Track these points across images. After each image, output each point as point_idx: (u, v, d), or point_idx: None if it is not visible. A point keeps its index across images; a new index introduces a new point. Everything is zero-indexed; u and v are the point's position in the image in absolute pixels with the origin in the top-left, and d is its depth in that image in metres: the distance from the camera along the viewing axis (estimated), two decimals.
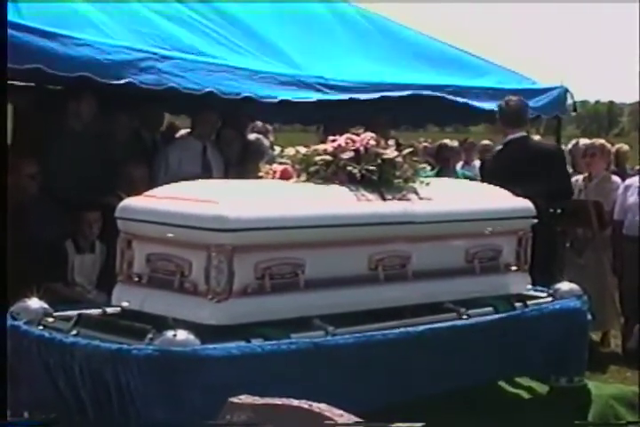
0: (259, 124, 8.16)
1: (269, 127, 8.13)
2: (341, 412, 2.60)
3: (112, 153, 5.96)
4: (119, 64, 5.10)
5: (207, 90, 5.51)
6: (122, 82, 5.09)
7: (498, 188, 4.74)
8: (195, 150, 6.31)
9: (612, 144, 8.77)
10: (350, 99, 6.19)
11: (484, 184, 4.80)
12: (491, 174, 5.84)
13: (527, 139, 6.12)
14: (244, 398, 2.70)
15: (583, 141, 8.16)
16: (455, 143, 8.05)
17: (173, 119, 8.83)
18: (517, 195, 4.67)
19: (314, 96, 5.98)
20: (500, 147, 6.31)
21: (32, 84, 6.60)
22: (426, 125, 9.41)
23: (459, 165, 9.12)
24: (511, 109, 6.04)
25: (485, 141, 11.53)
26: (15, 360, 3.64)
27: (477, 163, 10.34)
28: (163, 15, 5.82)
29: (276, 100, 5.83)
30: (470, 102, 6.75)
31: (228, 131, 6.68)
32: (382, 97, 6.30)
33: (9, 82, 5.16)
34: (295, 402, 2.64)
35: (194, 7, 6.13)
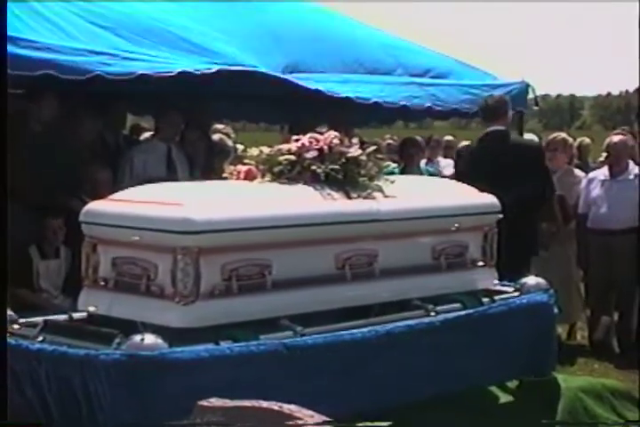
0: (219, 126, 8.13)
1: (230, 130, 8.10)
2: (312, 413, 2.60)
3: (75, 156, 5.90)
4: (82, 61, 5.02)
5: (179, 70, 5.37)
6: (89, 76, 4.99)
7: (462, 184, 4.76)
8: (159, 152, 6.28)
9: (574, 138, 8.83)
10: (316, 95, 6.15)
11: (449, 181, 4.82)
12: (467, 167, 5.89)
13: (506, 133, 6.16)
14: (214, 401, 2.69)
15: (530, 137, 8.19)
16: (419, 139, 8.06)
17: (138, 120, 8.78)
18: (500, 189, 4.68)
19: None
20: (477, 140, 6.34)
21: None
22: (393, 123, 9.42)
23: (422, 162, 9.14)
24: (486, 105, 6.12)
25: (449, 137, 11.60)
26: None
27: (441, 159, 10.41)
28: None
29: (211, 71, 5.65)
30: (433, 107, 6.82)
31: (193, 132, 6.65)
32: (346, 97, 6.30)
33: None
34: (265, 404, 2.64)
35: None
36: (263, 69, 5.82)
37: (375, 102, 6.46)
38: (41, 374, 3.51)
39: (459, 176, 5.62)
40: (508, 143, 6.05)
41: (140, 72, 5.17)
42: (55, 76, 4.91)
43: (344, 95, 6.27)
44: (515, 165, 5.80)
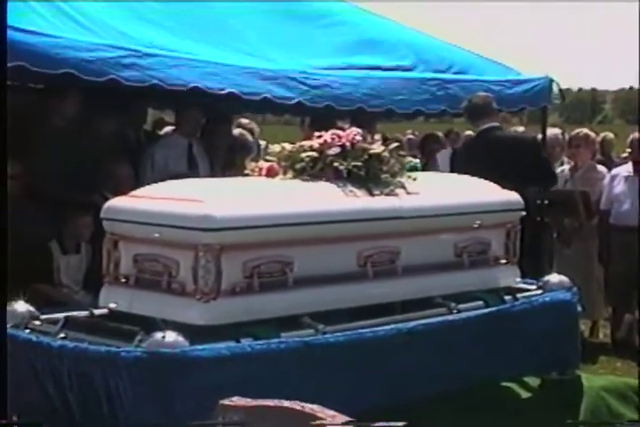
0: (243, 120, 8.12)
1: (255, 126, 8.09)
2: (334, 413, 2.58)
3: (96, 152, 5.90)
4: (102, 61, 5.05)
5: (192, 85, 5.47)
6: (104, 79, 5.05)
7: (486, 181, 4.72)
8: (180, 148, 6.27)
9: (597, 133, 8.76)
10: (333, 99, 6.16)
11: (473, 177, 4.78)
12: (462, 164, 5.85)
13: (499, 129, 6.14)
14: (236, 400, 2.67)
15: (554, 131, 8.12)
16: (440, 134, 8.03)
17: (160, 115, 8.79)
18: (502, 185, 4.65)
19: (296, 96, 5.95)
20: (470, 138, 6.34)
21: (15, 82, 6.54)
22: (414, 118, 9.41)
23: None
24: (473, 104, 6.10)
25: (469, 132, 11.54)
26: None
27: None
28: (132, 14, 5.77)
29: (258, 98, 5.79)
30: (449, 110, 6.82)
31: (214, 127, 6.63)
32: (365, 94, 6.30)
33: None
34: (287, 403, 2.62)
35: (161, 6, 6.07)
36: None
37: (388, 109, 6.48)
38: (62, 372, 3.50)
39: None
40: (504, 139, 6.03)
41: (154, 82, 5.23)
42: (76, 76, 4.93)
43: (363, 92, 6.26)
44: (512, 160, 5.75)
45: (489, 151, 5.83)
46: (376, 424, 2.56)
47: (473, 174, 4.74)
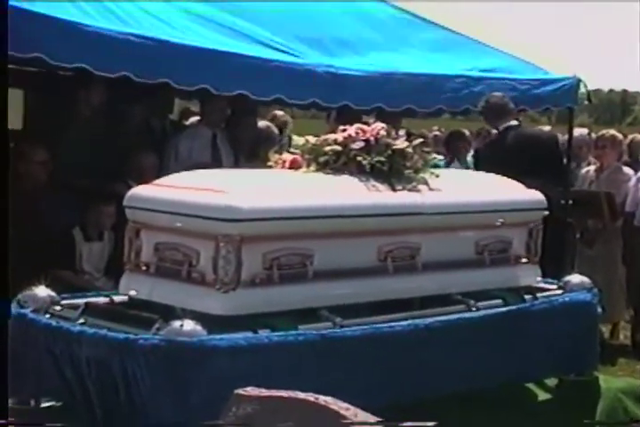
0: (278, 113, 8.13)
1: (289, 118, 8.09)
2: (347, 405, 2.59)
3: (122, 140, 5.94)
4: (114, 57, 5.04)
5: (199, 86, 5.43)
6: (116, 75, 5.04)
7: (509, 179, 4.70)
8: (205, 138, 6.29)
9: (625, 135, 8.70)
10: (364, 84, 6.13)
11: (495, 175, 4.76)
12: (484, 163, 5.85)
13: (519, 127, 6.14)
14: (250, 390, 2.68)
15: (581, 131, 8.09)
16: (466, 132, 8.00)
17: (187, 104, 8.81)
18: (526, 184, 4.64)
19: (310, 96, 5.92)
20: (491, 137, 6.33)
21: (42, 69, 6.58)
22: (439, 115, 9.37)
23: (470, 154, 9.07)
24: (491, 105, 6.09)
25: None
26: (22, 349, 3.63)
27: None
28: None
29: (269, 99, 5.75)
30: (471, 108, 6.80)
31: (239, 118, 6.65)
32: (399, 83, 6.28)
33: (17, 67, 5.15)
34: (301, 395, 2.63)
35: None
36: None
37: (409, 107, 6.46)
38: (81, 357, 3.52)
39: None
40: (522, 137, 6.03)
41: (164, 80, 5.22)
42: (89, 71, 4.95)
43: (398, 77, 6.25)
44: (530, 157, 5.74)
45: (509, 149, 5.83)
46: (403, 424, 2.57)
47: (494, 173, 4.73)
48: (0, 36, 3.44)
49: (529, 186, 4.63)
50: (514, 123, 5.99)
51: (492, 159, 5.85)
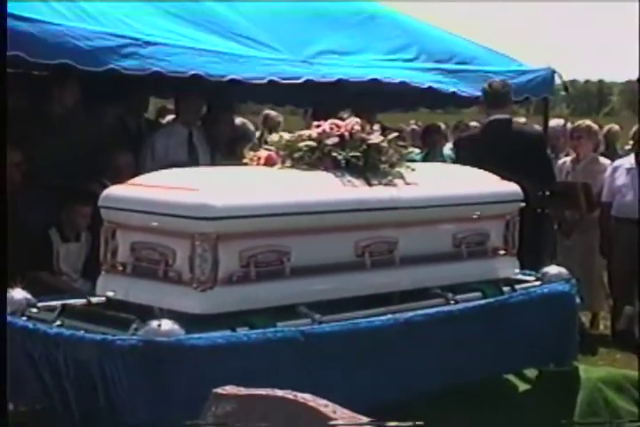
0: (272, 113, 8.10)
1: (281, 118, 8.07)
2: (326, 402, 2.58)
3: (97, 140, 5.90)
4: (100, 50, 5.02)
5: (192, 73, 5.41)
6: (103, 69, 5.02)
7: (485, 172, 4.71)
8: (181, 137, 6.26)
9: (601, 125, 8.73)
10: (339, 81, 6.11)
11: (471, 168, 4.76)
12: (469, 155, 5.80)
13: (510, 122, 6.07)
14: (229, 389, 2.68)
15: (556, 122, 8.11)
16: (442, 125, 8.01)
17: (163, 103, 8.79)
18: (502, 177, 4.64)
19: (302, 75, 5.87)
20: (478, 127, 6.27)
21: (18, 70, 6.54)
22: (416, 108, 9.35)
23: (447, 148, 9.09)
24: (493, 91, 6.02)
25: (474, 123, 11.50)
26: None
27: None
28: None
29: (264, 81, 5.71)
30: (458, 92, 6.73)
31: (215, 115, 6.62)
32: (372, 80, 6.24)
33: None
34: (280, 392, 2.63)
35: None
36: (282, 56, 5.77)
37: (402, 82, 6.38)
38: (59, 359, 3.51)
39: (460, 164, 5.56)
40: (512, 132, 5.97)
41: (155, 69, 5.19)
42: (73, 66, 4.91)
43: (370, 78, 6.21)
44: (516, 154, 5.70)
45: (495, 144, 5.78)
46: (391, 423, 2.56)
47: (476, 165, 4.73)
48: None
49: (507, 179, 4.63)
50: (505, 116, 5.93)
51: (475, 151, 5.81)
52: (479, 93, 6.72)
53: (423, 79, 6.57)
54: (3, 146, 3.68)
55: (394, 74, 6.42)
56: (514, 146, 5.78)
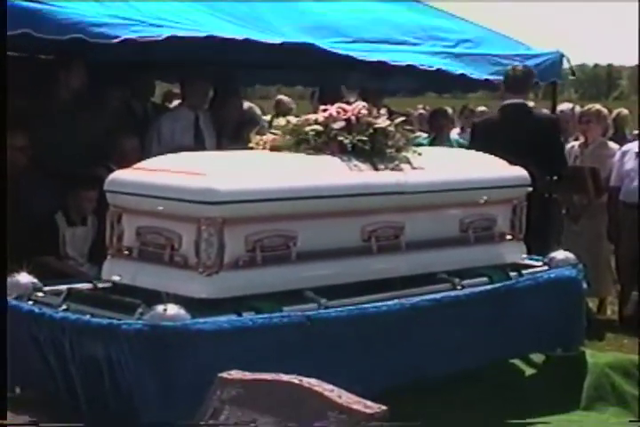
0: (285, 99, 8.04)
1: (293, 104, 8.02)
2: (332, 387, 2.58)
3: (102, 124, 5.87)
4: (111, 25, 4.95)
5: (207, 34, 5.27)
6: (117, 40, 4.93)
7: (492, 156, 4.69)
8: (187, 120, 6.22)
9: (610, 109, 8.67)
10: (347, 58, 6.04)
11: (478, 153, 4.74)
12: (483, 139, 5.78)
13: (525, 106, 6.05)
14: (234, 374, 2.68)
15: (565, 106, 8.06)
16: (449, 110, 7.96)
17: (170, 87, 8.75)
18: (513, 162, 4.62)
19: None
20: (493, 112, 6.24)
21: (23, 54, 6.50)
22: (424, 92, 9.30)
23: (454, 132, 9.06)
24: (517, 76, 6.00)
25: (482, 108, 11.45)
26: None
27: None
28: None
29: (278, 42, 5.57)
30: (467, 74, 6.68)
31: (222, 99, 6.59)
32: (379, 62, 6.20)
33: None
34: (285, 377, 2.63)
35: None
36: (289, 40, 5.71)
37: (409, 65, 6.33)
38: (64, 343, 3.52)
39: (474, 148, 5.53)
40: (527, 116, 5.96)
41: (169, 34, 5.09)
42: (84, 40, 4.85)
43: (376, 59, 6.15)
44: (531, 138, 5.68)
45: (510, 128, 5.75)
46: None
47: (491, 149, 4.70)
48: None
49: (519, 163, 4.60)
50: (520, 100, 5.92)
51: (489, 136, 5.79)
52: (487, 77, 6.68)
53: (431, 62, 6.52)
54: (2, 138, 3.68)
55: (401, 57, 6.38)
56: (529, 130, 5.76)
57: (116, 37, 4.93)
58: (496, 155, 4.67)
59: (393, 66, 6.26)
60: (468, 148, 5.70)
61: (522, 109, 5.96)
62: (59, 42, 4.85)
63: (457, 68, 6.70)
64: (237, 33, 5.48)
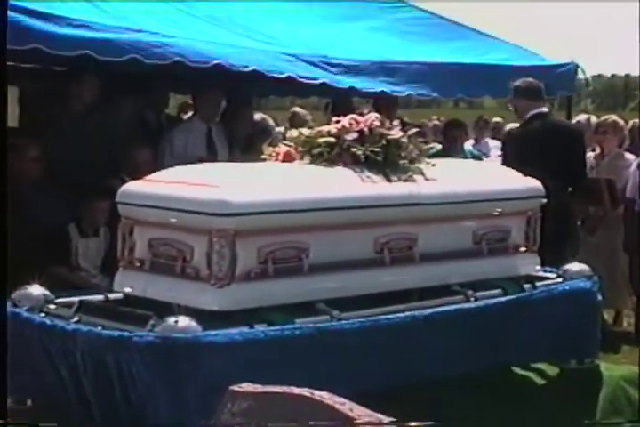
0: (301, 111, 8.08)
1: (310, 117, 8.06)
2: (343, 400, 2.56)
3: (116, 135, 5.89)
4: (120, 41, 4.97)
5: (214, 63, 5.35)
6: (124, 58, 4.97)
7: (506, 167, 4.67)
8: (199, 132, 6.24)
9: (626, 120, 8.63)
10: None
11: (492, 164, 4.75)
12: (515, 149, 5.79)
13: (551, 115, 6.07)
14: (245, 386, 2.66)
15: (581, 117, 8.05)
16: (463, 121, 7.95)
17: (186, 98, 8.76)
18: (534, 174, 4.60)
19: (319, 76, 5.86)
20: (520, 123, 6.23)
21: (37, 65, 6.54)
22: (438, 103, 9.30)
23: (469, 143, 9.03)
24: (532, 85, 6.00)
25: (497, 119, 11.43)
26: (17, 348, 3.61)
27: (489, 140, 10.27)
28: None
29: (283, 76, 5.68)
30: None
31: (234, 111, 6.60)
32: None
33: (14, 63, 5.11)
34: (297, 390, 2.60)
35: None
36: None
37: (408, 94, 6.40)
38: (76, 356, 3.50)
39: (506, 158, 5.51)
40: (553, 125, 5.95)
41: (176, 59, 5.14)
42: (93, 57, 4.88)
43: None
44: (555, 147, 5.69)
45: (534, 138, 5.78)
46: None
47: (518, 160, 4.68)
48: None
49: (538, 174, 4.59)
50: (544, 109, 5.93)
51: (517, 146, 5.82)
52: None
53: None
54: (3, 144, 3.67)
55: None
56: (552, 139, 5.77)
57: (124, 55, 4.97)
58: (525, 165, 4.64)
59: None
60: (503, 159, 5.70)
61: (548, 118, 5.99)
62: (68, 57, 4.89)
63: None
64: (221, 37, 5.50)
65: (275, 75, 5.66)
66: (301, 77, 5.81)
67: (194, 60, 5.26)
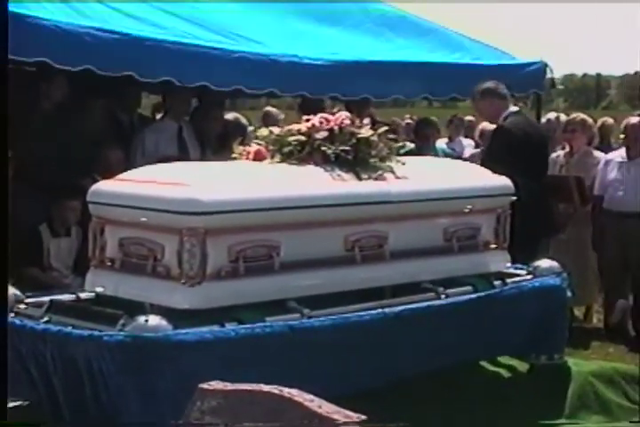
0: (273, 111, 8.10)
1: (282, 116, 8.07)
2: (312, 397, 2.57)
3: (86, 135, 5.87)
4: (80, 48, 4.96)
5: (162, 79, 5.36)
6: (79, 68, 4.97)
7: (476, 165, 4.70)
8: (170, 132, 6.24)
9: (595, 119, 8.70)
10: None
11: (462, 162, 4.77)
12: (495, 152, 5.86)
13: (524, 115, 6.11)
14: (215, 384, 2.67)
15: (551, 115, 8.12)
16: (435, 119, 7.99)
17: (159, 99, 8.74)
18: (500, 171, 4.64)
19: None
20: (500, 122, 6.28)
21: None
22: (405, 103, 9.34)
23: (442, 142, 9.07)
24: (500, 86, 6.03)
25: (469, 117, 11.49)
26: None
27: (462, 139, 10.32)
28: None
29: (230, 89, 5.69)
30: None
31: (205, 110, 6.60)
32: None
33: None
34: (266, 388, 2.62)
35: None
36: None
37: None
38: (46, 355, 3.50)
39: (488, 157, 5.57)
40: (529, 125, 6.01)
41: (129, 73, 5.16)
42: (50, 65, 4.87)
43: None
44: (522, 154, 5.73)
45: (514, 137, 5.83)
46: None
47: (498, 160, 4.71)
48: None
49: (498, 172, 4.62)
50: (514, 109, 5.96)
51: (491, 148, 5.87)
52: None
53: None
54: (3, 146, 3.66)
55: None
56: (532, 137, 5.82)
57: (77, 66, 4.97)
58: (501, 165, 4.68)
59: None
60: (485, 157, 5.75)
61: (524, 117, 6.04)
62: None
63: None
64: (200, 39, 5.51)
65: (223, 88, 5.70)
66: (250, 89, 5.85)
67: (143, 75, 5.28)
